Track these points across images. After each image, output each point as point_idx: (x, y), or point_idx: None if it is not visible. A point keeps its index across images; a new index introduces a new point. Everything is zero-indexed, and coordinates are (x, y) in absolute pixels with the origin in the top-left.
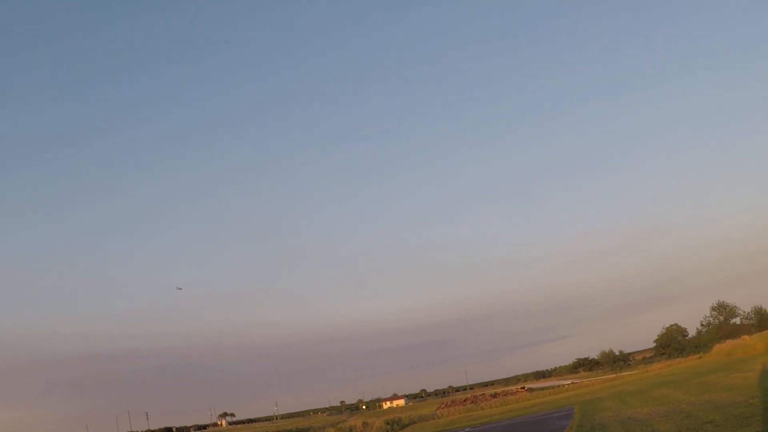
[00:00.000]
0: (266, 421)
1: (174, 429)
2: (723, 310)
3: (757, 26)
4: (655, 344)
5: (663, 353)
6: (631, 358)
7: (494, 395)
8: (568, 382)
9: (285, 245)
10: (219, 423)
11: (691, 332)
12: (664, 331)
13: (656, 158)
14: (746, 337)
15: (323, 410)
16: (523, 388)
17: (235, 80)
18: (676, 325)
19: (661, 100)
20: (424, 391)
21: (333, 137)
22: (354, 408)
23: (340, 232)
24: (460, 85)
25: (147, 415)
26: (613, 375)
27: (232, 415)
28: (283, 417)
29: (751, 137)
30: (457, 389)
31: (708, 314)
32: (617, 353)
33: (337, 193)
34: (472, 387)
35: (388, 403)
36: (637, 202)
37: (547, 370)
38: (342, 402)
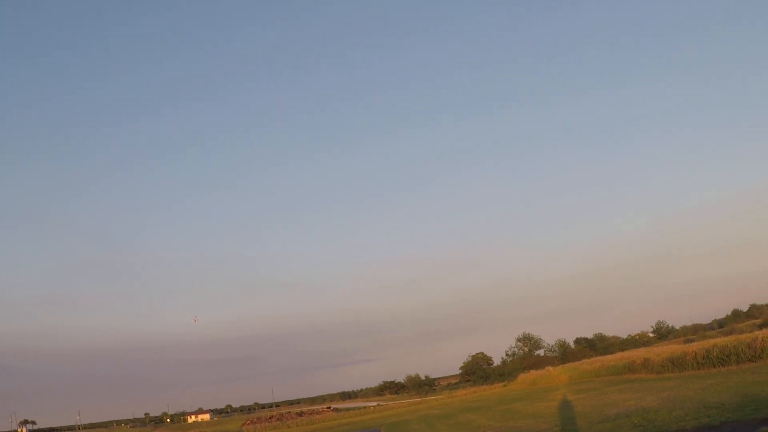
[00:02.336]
0: (68, 431)
1: None
2: (528, 341)
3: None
4: (460, 371)
5: (468, 380)
6: (436, 384)
7: (300, 414)
8: (374, 403)
9: (101, 250)
10: (19, 431)
11: (497, 361)
12: (470, 359)
13: (465, 191)
14: (550, 368)
15: (127, 421)
16: (329, 407)
17: (67, 84)
18: (482, 353)
19: (470, 131)
20: (229, 406)
21: (157, 147)
22: (158, 420)
23: (157, 242)
24: (275, 103)
25: None
26: (419, 399)
27: (33, 422)
28: (86, 427)
29: (561, 178)
30: (263, 406)
31: (513, 345)
32: (423, 378)
33: (158, 203)
34: (278, 404)
35: (193, 417)
36: (447, 232)
37: (353, 391)
38: (146, 414)
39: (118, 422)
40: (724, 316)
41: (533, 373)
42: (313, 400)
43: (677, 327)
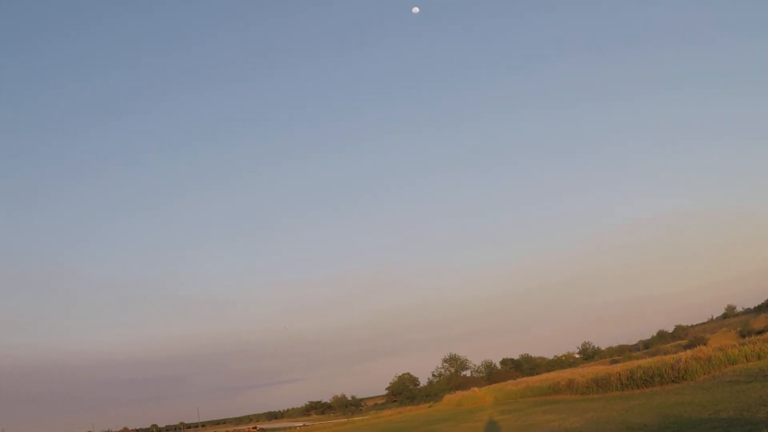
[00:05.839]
0: None
1: None
2: (454, 362)
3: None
4: (387, 391)
5: (394, 400)
6: (363, 404)
7: None
8: (301, 424)
9: (26, 268)
10: None
11: (423, 382)
12: (396, 379)
13: (389, 210)
14: (476, 388)
15: None
16: (256, 428)
17: None
18: (408, 374)
19: (390, 151)
20: (155, 426)
21: (82, 166)
22: None
23: (83, 260)
24: (192, 124)
25: None
26: (345, 419)
27: None
28: None
29: (486, 198)
30: (189, 426)
31: (440, 365)
32: (349, 398)
33: (85, 220)
34: (203, 424)
35: None
36: (373, 252)
37: (279, 411)
38: None
39: None
40: (649, 337)
41: (459, 394)
42: (239, 420)
43: (603, 348)
